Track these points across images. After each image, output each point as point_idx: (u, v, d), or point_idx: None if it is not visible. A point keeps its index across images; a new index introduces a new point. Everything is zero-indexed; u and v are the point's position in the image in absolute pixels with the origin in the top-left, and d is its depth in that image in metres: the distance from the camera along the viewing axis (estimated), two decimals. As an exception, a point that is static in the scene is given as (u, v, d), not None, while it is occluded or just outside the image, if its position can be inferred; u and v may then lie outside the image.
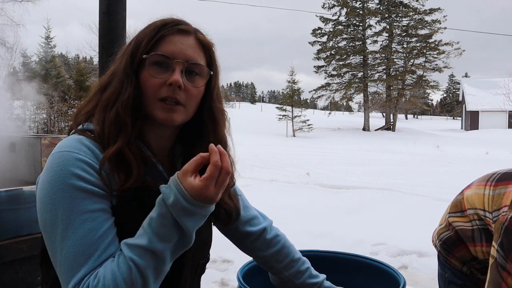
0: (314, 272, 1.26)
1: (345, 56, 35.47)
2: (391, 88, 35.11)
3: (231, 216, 1.09)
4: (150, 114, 0.92)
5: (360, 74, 35.60)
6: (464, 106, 43.59)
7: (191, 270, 1.02)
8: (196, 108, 0.97)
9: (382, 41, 35.49)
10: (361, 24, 35.52)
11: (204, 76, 0.96)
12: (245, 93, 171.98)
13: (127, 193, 0.87)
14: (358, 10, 34.98)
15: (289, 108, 30.22)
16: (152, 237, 0.80)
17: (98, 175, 0.85)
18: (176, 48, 0.91)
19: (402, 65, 35.57)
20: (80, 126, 0.94)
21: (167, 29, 0.93)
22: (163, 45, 0.92)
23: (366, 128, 33.76)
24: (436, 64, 34.37)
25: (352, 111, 61.44)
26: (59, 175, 0.83)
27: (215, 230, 1.15)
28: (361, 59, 35.60)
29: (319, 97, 37.44)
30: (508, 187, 1.41)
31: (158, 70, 0.91)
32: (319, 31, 35.73)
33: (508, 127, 36.66)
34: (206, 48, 0.97)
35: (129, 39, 1.00)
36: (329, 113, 44.91)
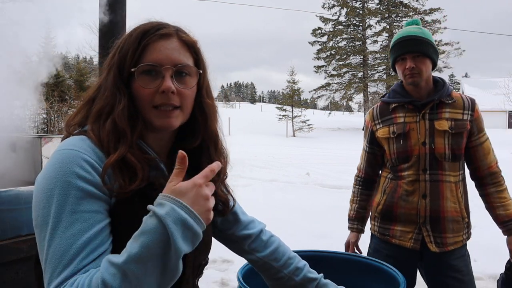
0: (310, 269, 1.28)
1: (345, 56, 35.49)
2: (391, 88, 35.11)
3: (227, 205, 1.10)
4: (147, 121, 0.94)
5: (360, 74, 35.60)
6: (464, 106, 43.47)
7: (193, 271, 1.01)
8: (192, 107, 0.99)
9: (382, 41, 35.49)
10: (361, 24, 35.54)
11: (194, 76, 0.97)
12: (245, 93, 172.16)
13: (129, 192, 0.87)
14: (358, 10, 35.01)
15: (289, 108, 30.24)
16: (129, 256, 0.74)
17: (99, 177, 0.85)
18: (161, 55, 0.92)
19: (402, 65, 35.55)
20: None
21: (149, 36, 0.93)
22: (148, 54, 0.92)
23: (366, 128, 33.75)
24: (436, 64, 34.41)
25: (352, 111, 61.53)
26: (58, 172, 0.82)
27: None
28: (361, 59, 35.61)
29: (319, 97, 37.45)
30: None
31: (148, 79, 0.92)
32: (319, 31, 35.75)
33: (508, 127, 36.68)
34: (191, 46, 0.98)
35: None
36: (329, 113, 44.95)
